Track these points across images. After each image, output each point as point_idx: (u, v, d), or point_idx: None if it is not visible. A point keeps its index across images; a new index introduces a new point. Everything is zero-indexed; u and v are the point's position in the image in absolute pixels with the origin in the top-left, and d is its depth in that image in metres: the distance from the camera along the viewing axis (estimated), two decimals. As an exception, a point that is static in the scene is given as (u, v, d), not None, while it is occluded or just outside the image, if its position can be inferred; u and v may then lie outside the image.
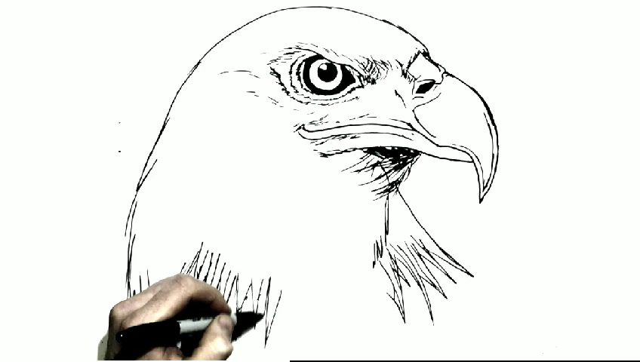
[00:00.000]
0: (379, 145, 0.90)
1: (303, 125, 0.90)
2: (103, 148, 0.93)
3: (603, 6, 0.96)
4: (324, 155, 0.91)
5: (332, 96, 0.90)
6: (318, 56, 0.90)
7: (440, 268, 0.92)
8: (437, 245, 0.92)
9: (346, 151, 0.90)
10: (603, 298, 0.91)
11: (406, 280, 0.91)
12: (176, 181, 0.92)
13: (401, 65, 0.90)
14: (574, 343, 0.91)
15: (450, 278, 0.92)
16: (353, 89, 0.90)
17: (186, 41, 0.94)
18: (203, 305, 0.84)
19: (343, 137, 0.90)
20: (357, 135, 0.90)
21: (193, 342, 0.83)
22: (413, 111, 0.90)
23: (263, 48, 0.92)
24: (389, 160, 0.91)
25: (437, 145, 0.89)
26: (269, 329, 0.90)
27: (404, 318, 0.91)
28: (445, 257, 0.92)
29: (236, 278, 0.91)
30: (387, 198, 0.92)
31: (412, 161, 0.92)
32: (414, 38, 0.93)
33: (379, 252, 0.91)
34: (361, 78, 0.90)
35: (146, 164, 0.93)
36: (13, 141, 0.94)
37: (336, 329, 0.90)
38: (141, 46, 0.94)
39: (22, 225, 0.92)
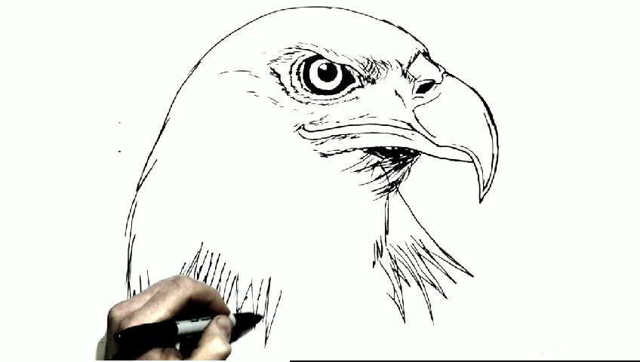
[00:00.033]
0: (379, 145, 0.90)
1: (303, 125, 0.90)
2: (103, 148, 0.93)
3: (603, 6, 0.96)
4: (324, 155, 0.91)
5: (332, 96, 0.90)
6: (318, 56, 0.90)
7: (440, 268, 0.92)
8: (437, 245, 0.92)
9: (346, 151, 0.90)
10: (603, 298, 0.91)
11: (406, 280, 0.92)
12: (176, 181, 0.92)
13: (401, 65, 0.90)
14: (574, 343, 0.91)
15: (450, 278, 0.92)
16: (353, 89, 0.90)
17: (186, 41, 0.94)
18: (202, 306, 0.84)
19: (343, 137, 0.90)
20: (357, 135, 0.90)
21: (192, 342, 0.83)
22: (413, 111, 0.90)
23: (263, 48, 0.92)
24: (389, 160, 0.91)
25: (437, 145, 0.89)
26: (269, 329, 0.90)
27: (404, 318, 0.91)
28: (445, 257, 0.92)
29: (236, 278, 0.91)
30: (387, 198, 0.92)
31: (412, 161, 0.92)
32: (414, 38, 0.93)
33: (379, 252, 0.91)
34: (361, 78, 0.90)
35: (146, 164, 0.93)
36: (14, 141, 0.94)
37: (336, 329, 0.90)
38: (141, 46, 0.94)
39: (22, 225, 0.92)
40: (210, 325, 0.83)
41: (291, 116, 0.90)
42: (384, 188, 0.92)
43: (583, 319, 0.91)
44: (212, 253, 0.91)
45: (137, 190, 0.93)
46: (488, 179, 0.90)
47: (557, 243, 0.92)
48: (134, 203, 0.92)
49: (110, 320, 0.82)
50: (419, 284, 0.91)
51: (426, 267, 0.92)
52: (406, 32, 0.93)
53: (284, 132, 0.91)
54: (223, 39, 0.94)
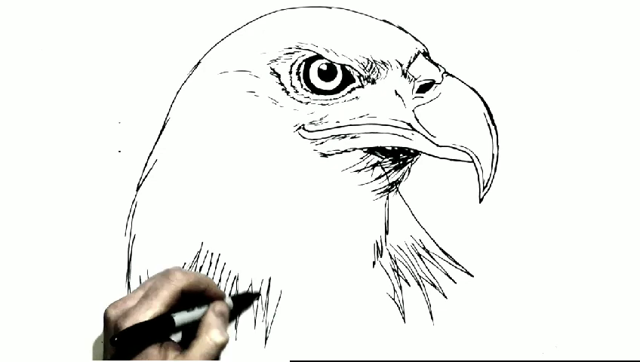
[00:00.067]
0: (379, 145, 0.90)
1: (303, 125, 0.90)
2: (103, 148, 0.93)
3: (603, 6, 0.96)
4: (324, 155, 0.91)
5: (332, 96, 0.90)
6: (318, 56, 0.90)
7: (440, 268, 0.92)
8: (437, 245, 0.92)
9: (346, 151, 0.90)
10: (603, 298, 0.91)
11: (406, 280, 0.91)
12: (176, 181, 0.92)
13: (401, 65, 0.90)
14: (574, 343, 0.91)
15: (450, 278, 0.92)
16: (353, 89, 0.90)
17: (186, 41, 0.94)
18: (197, 295, 0.84)
19: (343, 137, 0.90)
20: (357, 135, 0.90)
21: (192, 332, 0.83)
22: (413, 111, 0.90)
23: (263, 48, 0.92)
24: (389, 160, 0.91)
25: (437, 145, 0.89)
26: (269, 329, 0.90)
27: (404, 318, 0.91)
28: (445, 257, 0.92)
29: (236, 278, 0.91)
30: (387, 198, 0.92)
31: (412, 161, 0.92)
32: (414, 38, 0.93)
33: (379, 252, 0.91)
34: (361, 78, 0.90)
35: (146, 164, 0.93)
36: (14, 141, 0.94)
37: (336, 329, 0.90)
38: (141, 46, 0.94)
39: (22, 225, 0.92)
40: (207, 314, 0.83)
41: (291, 116, 0.90)
42: (384, 188, 0.92)
43: (583, 319, 0.91)
44: (212, 253, 0.91)
45: (137, 190, 0.93)
46: (488, 179, 0.90)
47: (557, 243, 0.92)
48: (134, 203, 0.92)
49: (106, 320, 0.82)
50: (419, 284, 0.91)
51: (426, 267, 0.92)
52: (406, 32, 0.93)
53: (284, 132, 0.90)
54: (223, 39, 0.94)
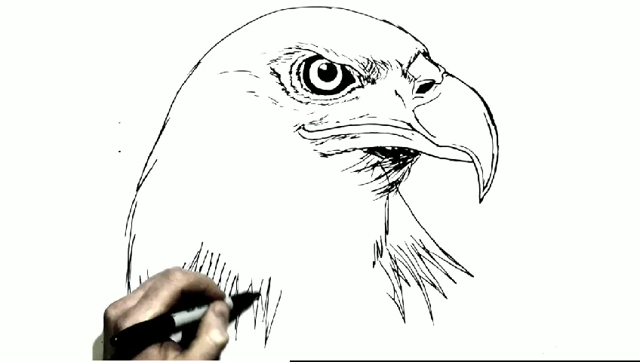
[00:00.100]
0: (379, 145, 0.90)
1: (303, 125, 0.90)
2: (103, 148, 0.93)
3: (603, 6, 0.96)
4: (324, 155, 0.91)
5: (332, 96, 0.90)
6: (318, 56, 0.90)
7: (440, 268, 0.92)
8: (437, 245, 0.92)
9: (346, 151, 0.90)
10: (603, 298, 0.91)
11: (406, 280, 0.91)
12: (176, 181, 0.92)
13: (401, 65, 0.90)
14: (574, 343, 0.91)
15: (450, 278, 0.92)
16: (353, 89, 0.90)
17: (186, 41, 0.94)
18: (197, 295, 0.84)
19: (343, 137, 0.90)
20: (357, 135, 0.90)
21: (192, 332, 0.83)
22: (413, 111, 0.90)
23: (263, 48, 0.92)
24: (389, 160, 0.91)
25: (437, 145, 0.89)
26: (269, 329, 0.90)
27: (404, 318, 0.91)
28: (445, 257, 0.92)
29: (236, 278, 0.91)
30: (387, 198, 0.92)
31: (412, 161, 0.92)
32: (414, 38, 0.93)
33: (379, 252, 0.91)
34: (361, 78, 0.90)
35: (146, 164, 0.93)
36: (14, 141, 0.94)
37: (336, 329, 0.90)
38: (141, 46, 0.94)
39: (22, 225, 0.92)
40: (207, 314, 0.83)
41: (291, 116, 0.90)
42: (384, 188, 0.92)
43: (583, 319, 0.91)
44: (212, 253, 0.91)
45: (137, 190, 0.93)
46: (488, 179, 0.90)
47: (557, 243, 0.92)
48: (134, 203, 0.92)
49: (106, 320, 0.82)
50: (419, 284, 0.91)
51: (426, 267, 0.92)
52: (406, 32, 0.93)
53: (284, 132, 0.90)
54: (223, 39, 0.94)
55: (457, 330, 0.91)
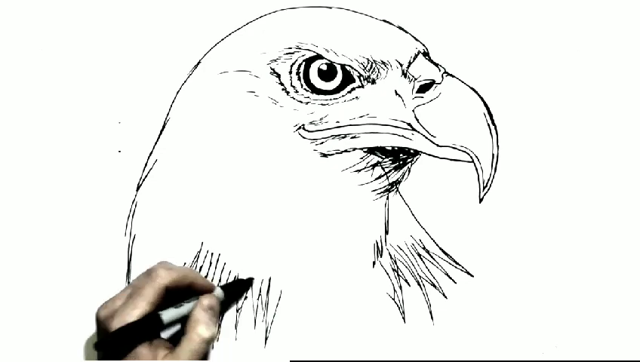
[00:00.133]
0: (379, 145, 0.90)
1: (303, 125, 0.90)
2: (103, 148, 0.93)
3: (603, 6, 0.96)
4: (324, 155, 0.91)
5: (332, 96, 0.90)
6: (318, 56, 0.90)
7: (440, 268, 0.92)
8: (437, 245, 0.92)
9: (346, 151, 0.90)
10: (603, 298, 0.91)
11: (406, 280, 0.91)
12: (176, 181, 0.92)
13: (401, 65, 0.90)
14: (574, 343, 0.91)
15: (450, 278, 0.92)
16: (353, 89, 0.90)
17: (186, 41, 0.94)
18: (184, 290, 0.84)
19: (343, 137, 0.90)
20: (357, 135, 0.90)
21: (182, 328, 0.83)
22: (413, 111, 0.90)
23: (263, 48, 0.92)
24: (389, 160, 0.91)
25: (437, 145, 0.89)
26: (269, 329, 0.90)
27: (404, 318, 0.91)
28: (445, 257, 0.92)
29: (236, 278, 0.90)
30: (387, 198, 0.92)
31: (412, 161, 0.92)
32: (414, 38, 0.93)
33: (379, 252, 0.91)
34: (361, 78, 0.90)
35: (146, 164, 0.93)
36: (14, 141, 0.94)
37: (336, 329, 0.90)
38: (141, 46, 0.94)
39: (22, 225, 0.92)
40: (195, 310, 0.83)
41: (291, 116, 0.90)
42: (384, 188, 0.92)
43: (583, 319, 0.91)
44: (212, 253, 0.91)
45: (137, 190, 0.93)
46: (488, 179, 0.90)
47: (557, 243, 0.92)
48: (134, 203, 0.92)
49: (97, 321, 0.82)
50: (419, 284, 0.91)
51: (426, 267, 0.92)
52: (406, 32, 0.93)
53: (284, 132, 0.90)
54: (223, 39, 0.94)
55: (457, 330, 0.91)
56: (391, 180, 0.92)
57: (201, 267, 0.90)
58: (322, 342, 0.90)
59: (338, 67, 0.90)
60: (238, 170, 0.91)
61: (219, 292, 0.86)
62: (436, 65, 0.90)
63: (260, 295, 0.90)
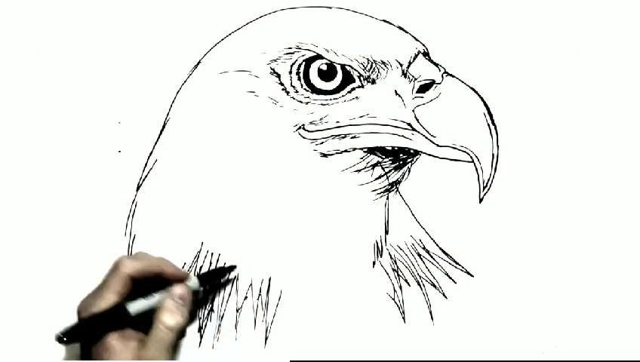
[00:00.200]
0: (379, 145, 0.90)
1: (303, 125, 0.90)
2: (103, 148, 0.93)
3: (603, 6, 0.96)
4: (324, 155, 0.91)
5: (332, 96, 0.90)
6: (318, 56, 0.90)
7: (440, 268, 0.92)
8: (437, 245, 0.92)
9: (346, 151, 0.90)
10: (603, 298, 0.91)
11: (406, 280, 0.91)
12: (176, 181, 0.92)
13: (401, 65, 0.90)
14: (574, 343, 0.91)
15: (450, 278, 0.92)
16: (353, 89, 0.90)
17: (186, 41, 0.94)
18: (155, 280, 0.84)
19: (343, 137, 0.90)
20: (357, 135, 0.90)
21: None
22: (413, 111, 0.90)
23: (263, 48, 0.92)
24: (389, 160, 0.91)
25: (437, 145, 0.89)
26: (269, 329, 0.90)
27: (404, 318, 0.91)
28: (445, 257, 0.92)
29: (236, 278, 0.91)
30: (387, 198, 0.92)
31: (412, 161, 0.92)
32: (414, 38, 0.93)
33: (379, 252, 0.91)
34: (361, 78, 0.90)
35: (146, 164, 0.93)
36: (14, 141, 0.94)
37: (336, 329, 0.90)
38: (141, 46, 0.95)
39: (22, 225, 0.92)
40: (164, 299, 0.84)
41: (291, 116, 0.90)
42: (384, 188, 0.92)
43: (583, 319, 0.91)
44: (212, 253, 0.91)
45: (137, 190, 0.93)
46: (488, 179, 0.90)
47: (557, 243, 0.92)
48: (134, 203, 0.92)
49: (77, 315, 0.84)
50: (419, 284, 0.91)
51: (426, 267, 0.92)
52: (406, 32, 0.93)
53: (284, 132, 0.90)
54: (223, 39, 0.94)
55: (457, 330, 0.91)
56: (391, 180, 0.92)
57: (201, 267, 0.90)
58: (322, 342, 0.90)
59: (338, 67, 0.90)
60: (238, 170, 0.91)
61: (193, 281, 0.87)
62: (436, 65, 0.90)
63: (259, 295, 0.90)
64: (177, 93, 0.93)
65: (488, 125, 0.90)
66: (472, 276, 0.92)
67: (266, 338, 0.90)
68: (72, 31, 0.95)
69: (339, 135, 0.90)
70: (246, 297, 0.90)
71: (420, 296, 0.91)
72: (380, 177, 0.91)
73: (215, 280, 0.89)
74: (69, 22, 0.95)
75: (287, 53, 0.91)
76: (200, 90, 0.93)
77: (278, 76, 0.91)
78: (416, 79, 0.90)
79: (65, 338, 0.81)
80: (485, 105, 0.90)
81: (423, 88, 0.90)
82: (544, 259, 0.92)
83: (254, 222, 0.91)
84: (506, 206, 0.92)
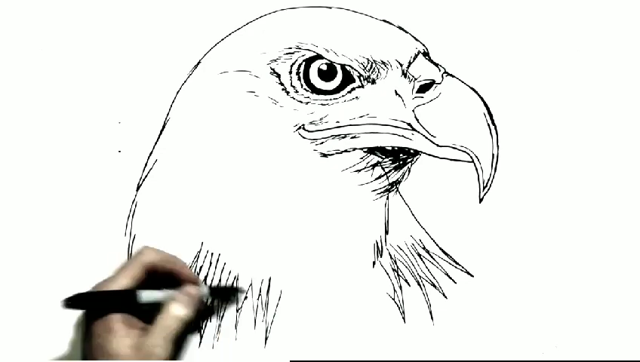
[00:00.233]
0: (379, 145, 0.90)
1: (303, 125, 0.90)
2: (103, 148, 0.93)
3: (603, 6, 0.96)
4: (324, 155, 0.91)
5: (332, 96, 0.90)
6: (318, 56, 0.90)
7: (440, 268, 0.92)
8: (437, 245, 0.92)
9: (346, 151, 0.90)
10: (603, 298, 0.91)
11: (406, 280, 0.91)
12: (176, 181, 0.92)
13: (401, 65, 0.90)
14: (574, 343, 0.91)
15: (450, 278, 0.92)
16: (353, 89, 0.90)
17: (186, 41, 0.94)
18: (170, 278, 0.85)
19: (343, 137, 0.90)
20: (357, 135, 0.90)
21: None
22: (413, 111, 0.90)
23: (263, 48, 0.92)
24: (389, 160, 0.91)
25: (437, 145, 0.89)
26: (269, 329, 0.90)
27: (404, 318, 0.91)
28: (445, 257, 0.92)
29: (236, 278, 0.90)
30: (387, 198, 0.92)
31: (412, 161, 0.92)
32: (414, 38, 0.93)
33: (379, 252, 0.91)
34: (361, 78, 0.90)
35: (146, 164, 0.93)
36: (14, 141, 0.94)
37: (336, 329, 0.90)
38: (141, 46, 0.95)
39: (22, 225, 0.92)
40: (175, 292, 0.85)
41: (291, 116, 0.90)
42: (384, 188, 0.92)
43: (583, 319, 0.91)
44: (212, 253, 0.91)
45: (137, 190, 0.93)
46: (488, 179, 0.90)
47: (557, 243, 0.92)
48: (134, 203, 0.92)
49: None
50: (419, 284, 0.91)
51: (426, 267, 0.92)
52: (406, 32, 0.93)
53: (284, 132, 0.90)
54: (223, 39, 0.94)
55: (457, 330, 0.91)
56: (391, 180, 0.92)
57: (201, 267, 0.90)
58: (322, 342, 0.90)
59: (338, 67, 0.90)
60: (238, 170, 0.91)
61: (204, 288, 0.87)
62: (436, 65, 0.90)
63: (259, 295, 0.90)
64: (177, 93, 0.93)
65: (488, 125, 0.90)
66: (472, 276, 0.92)
67: (266, 339, 0.90)
68: (72, 31, 0.95)
69: (339, 135, 0.90)
70: (246, 297, 0.90)
71: (419, 296, 0.91)
72: (380, 177, 0.91)
73: (223, 296, 0.89)
74: (69, 22, 0.95)
75: (287, 53, 0.91)
76: (200, 90, 0.93)
77: (278, 76, 0.91)
78: (416, 79, 0.90)
79: (70, 302, 0.82)
80: (485, 105, 0.90)
81: (423, 88, 0.90)
82: (544, 259, 0.92)
83: (254, 222, 0.91)
84: (506, 206, 0.92)
